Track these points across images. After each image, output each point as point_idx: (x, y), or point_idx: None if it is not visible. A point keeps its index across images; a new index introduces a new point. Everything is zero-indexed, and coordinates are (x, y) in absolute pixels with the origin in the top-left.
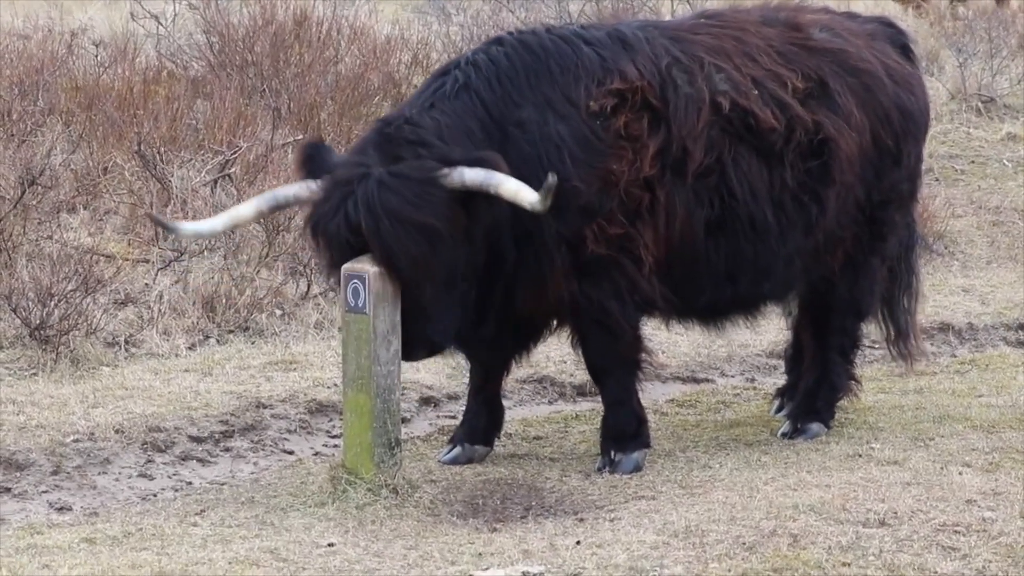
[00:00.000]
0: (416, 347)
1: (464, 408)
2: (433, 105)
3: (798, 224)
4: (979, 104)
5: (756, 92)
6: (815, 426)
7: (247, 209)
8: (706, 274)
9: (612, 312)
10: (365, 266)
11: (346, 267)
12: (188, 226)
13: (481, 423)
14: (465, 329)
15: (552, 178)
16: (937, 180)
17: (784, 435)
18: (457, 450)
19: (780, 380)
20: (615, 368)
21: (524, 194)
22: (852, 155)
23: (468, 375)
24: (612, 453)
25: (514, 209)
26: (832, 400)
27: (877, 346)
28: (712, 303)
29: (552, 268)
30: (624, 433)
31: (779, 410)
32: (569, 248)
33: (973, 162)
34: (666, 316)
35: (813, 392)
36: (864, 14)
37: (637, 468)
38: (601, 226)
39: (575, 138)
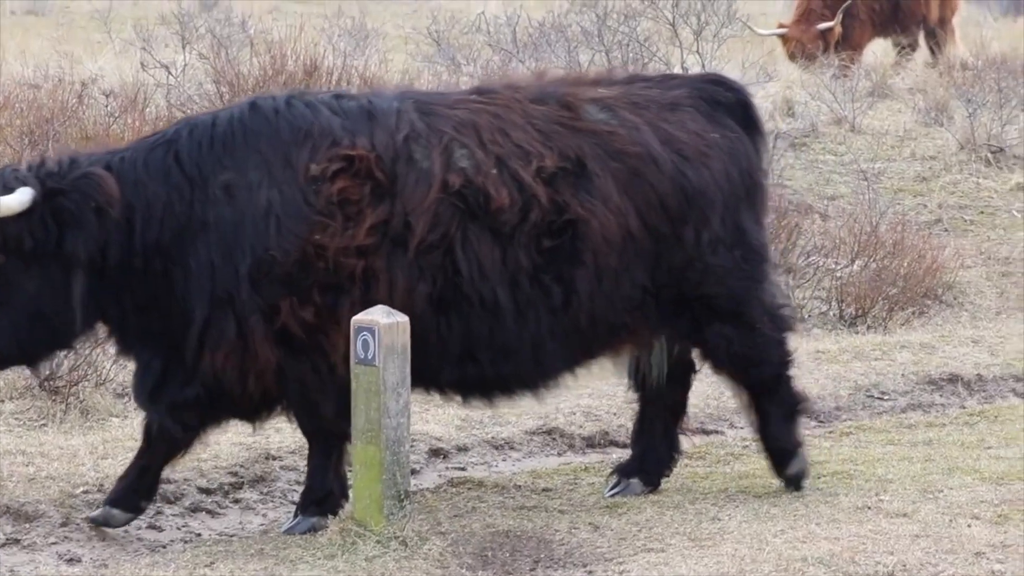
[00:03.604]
0: None
1: (472, 460)
2: (125, 154)
3: (540, 305)
4: (988, 154)
5: (495, 171)
6: (796, 463)
7: None
8: (440, 352)
9: (311, 387)
10: (375, 318)
11: (356, 319)
12: None
13: (125, 487)
14: (166, 384)
15: None
16: (946, 230)
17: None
18: (98, 511)
19: None
20: (318, 439)
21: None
22: (612, 237)
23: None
24: (296, 512)
25: (212, 270)
26: (791, 431)
27: (886, 397)
28: (459, 381)
29: (252, 335)
30: (312, 498)
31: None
32: (264, 317)
33: (982, 212)
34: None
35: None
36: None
37: (311, 530)
38: (293, 304)
39: (286, 205)
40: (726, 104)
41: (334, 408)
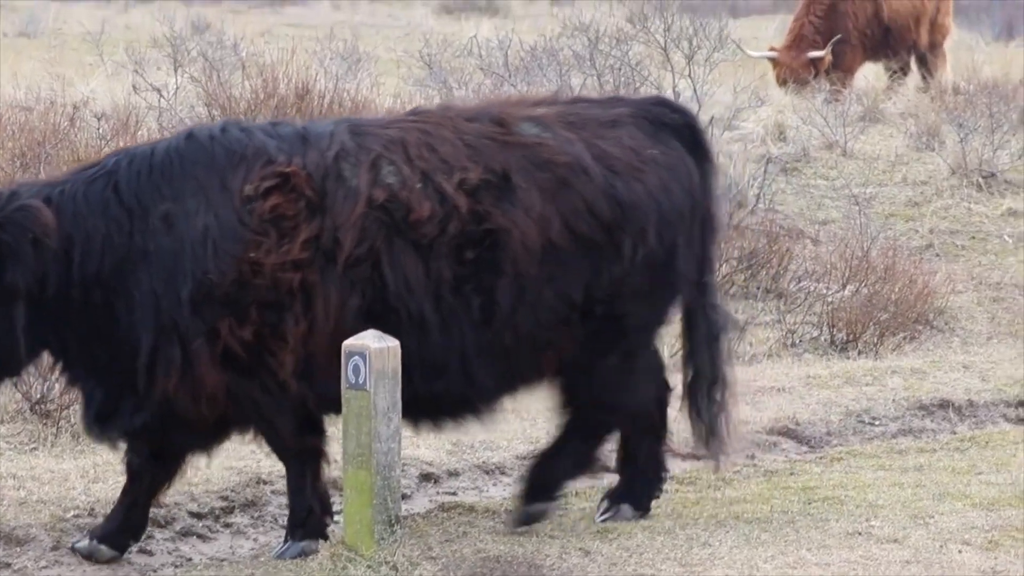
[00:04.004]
0: None
1: (462, 485)
2: (65, 186)
3: (463, 318)
4: (980, 179)
5: (420, 185)
6: (542, 505)
7: None
8: None
9: (263, 406)
10: (366, 343)
11: (347, 343)
12: None
13: (113, 525)
14: (116, 413)
15: None
16: (937, 256)
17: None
18: (84, 542)
19: (781, 457)
20: (287, 459)
21: None
22: (532, 246)
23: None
24: (285, 537)
25: (156, 299)
26: (566, 476)
27: (876, 423)
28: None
29: (198, 360)
30: (296, 520)
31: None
32: (207, 340)
33: (974, 237)
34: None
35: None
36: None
37: (302, 554)
38: (232, 324)
39: (222, 227)
40: (672, 126)
41: (291, 425)
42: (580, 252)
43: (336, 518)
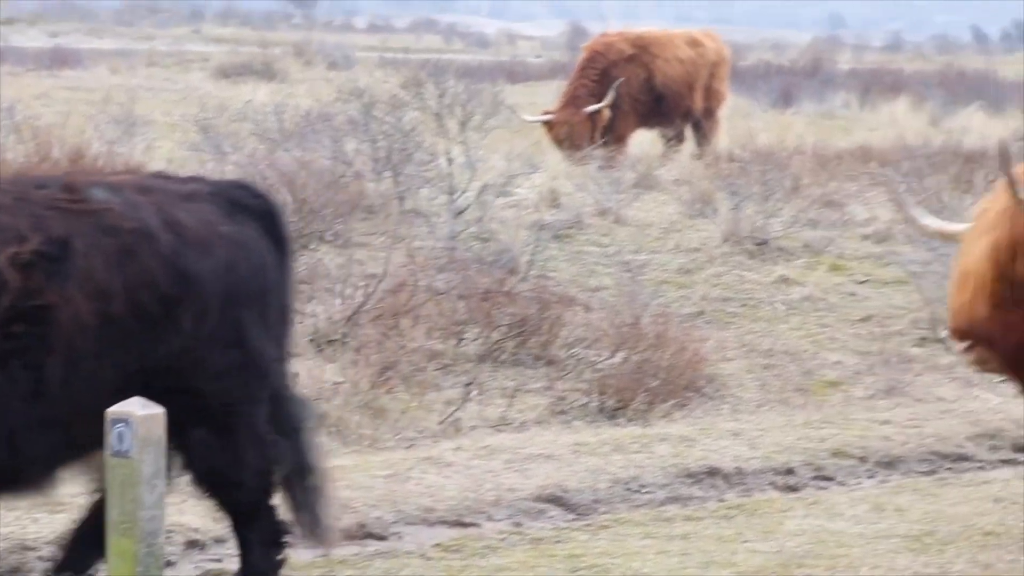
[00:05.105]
0: None
1: (228, 552)
2: None
3: (8, 392)
4: (752, 246)
5: None
6: None
7: None
8: None
9: None
10: (131, 409)
11: (110, 411)
12: None
13: None
14: None
15: None
16: (709, 323)
17: None
18: None
19: (548, 524)
20: None
21: None
22: (86, 323)
23: None
24: None
25: None
26: (272, 558)
27: (644, 490)
28: None
29: None
30: None
31: None
32: None
33: (745, 305)
34: None
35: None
36: None
37: None
38: None
39: None
40: (250, 208)
41: None
42: (139, 323)
43: None
